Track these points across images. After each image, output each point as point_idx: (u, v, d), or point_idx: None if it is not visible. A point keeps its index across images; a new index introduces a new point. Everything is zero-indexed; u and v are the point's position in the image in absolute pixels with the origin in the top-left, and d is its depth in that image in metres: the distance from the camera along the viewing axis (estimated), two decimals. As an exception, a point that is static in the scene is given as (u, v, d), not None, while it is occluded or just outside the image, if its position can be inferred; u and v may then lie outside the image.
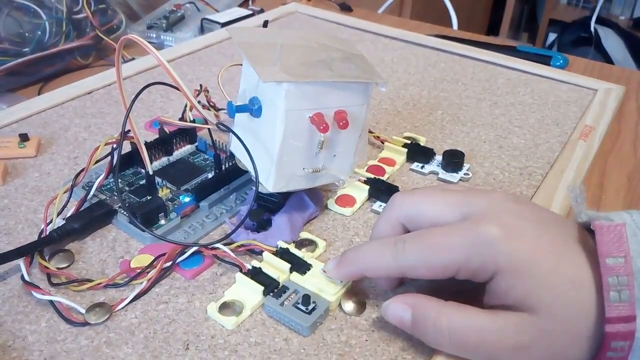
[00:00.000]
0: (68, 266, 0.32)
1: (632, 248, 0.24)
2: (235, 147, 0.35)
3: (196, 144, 0.42)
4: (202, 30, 0.68)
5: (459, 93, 0.54)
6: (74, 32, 0.59)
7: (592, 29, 1.73)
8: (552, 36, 2.19)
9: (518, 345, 0.25)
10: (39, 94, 0.53)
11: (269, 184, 0.32)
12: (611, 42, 1.96)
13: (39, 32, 0.56)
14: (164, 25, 0.66)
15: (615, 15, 2.12)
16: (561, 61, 0.61)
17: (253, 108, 0.31)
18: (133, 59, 0.58)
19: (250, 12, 0.71)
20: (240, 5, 0.76)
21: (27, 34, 0.56)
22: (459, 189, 0.29)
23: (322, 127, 0.30)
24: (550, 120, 0.49)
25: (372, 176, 0.40)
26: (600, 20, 1.97)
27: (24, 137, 0.43)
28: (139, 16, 0.70)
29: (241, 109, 0.31)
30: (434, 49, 0.62)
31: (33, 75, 0.56)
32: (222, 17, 0.68)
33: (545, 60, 0.61)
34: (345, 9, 0.79)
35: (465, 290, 0.27)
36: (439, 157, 0.42)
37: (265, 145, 0.31)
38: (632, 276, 0.23)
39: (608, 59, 1.91)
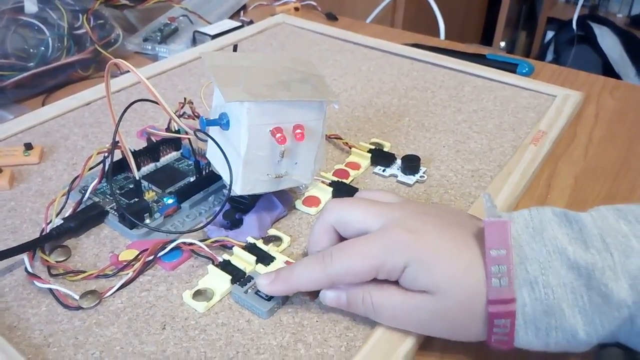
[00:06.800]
0: (65, 259, 0.37)
1: (522, 238, 0.28)
2: (211, 154, 0.40)
3: (181, 150, 0.47)
4: (194, 42, 0.72)
5: (427, 101, 0.58)
6: (75, 46, 0.64)
7: (574, 27, 1.75)
8: (550, 34, 2.21)
9: (421, 320, 0.30)
10: (42, 105, 0.59)
11: (237, 187, 0.36)
12: (607, 40, 1.98)
13: (43, 48, 0.62)
14: (158, 37, 0.71)
15: (613, 13, 2.13)
16: (527, 69, 0.65)
17: (222, 122, 0.36)
18: (127, 72, 0.63)
19: (240, 23, 0.76)
20: (231, 17, 0.81)
21: (31, 50, 0.61)
22: (383, 203, 0.34)
23: (280, 140, 0.34)
24: (507, 126, 0.54)
25: (336, 179, 0.44)
26: (598, 19, 1.99)
27: (28, 146, 0.48)
28: (136, 29, 0.75)
29: (211, 122, 0.36)
30: (409, 58, 0.67)
31: (37, 87, 0.61)
32: (212, 30, 0.73)
33: (512, 67, 0.65)
34: (331, 18, 0.84)
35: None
36: (399, 161, 0.47)
37: (233, 154, 0.36)
38: (512, 265, 0.28)
39: (604, 58, 1.93)
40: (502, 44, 2.09)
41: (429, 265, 0.29)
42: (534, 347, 0.29)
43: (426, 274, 0.29)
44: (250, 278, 0.35)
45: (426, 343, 0.33)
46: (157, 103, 0.36)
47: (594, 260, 0.28)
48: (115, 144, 0.39)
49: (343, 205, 0.33)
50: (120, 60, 0.36)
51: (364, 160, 0.48)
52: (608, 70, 1.85)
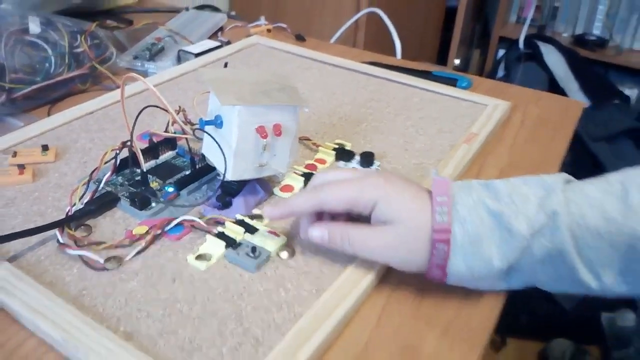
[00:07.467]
0: (88, 235, 0.46)
1: (457, 192, 0.40)
2: (206, 150, 0.50)
3: (177, 150, 0.57)
4: (179, 60, 0.82)
5: (382, 110, 0.69)
6: (74, 63, 0.73)
7: (520, 46, 1.91)
8: (501, 52, 2.38)
9: (386, 245, 0.40)
10: (48, 114, 0.67)
11: (229, 174, 0.46)
12: (553, 57, 2.14)
13: (47, 64, 0.70)
14: (147, 55, 0.80)
15: (559, 32, 2.30)
16: (465, 83, 0.77)
17: (217, 122, 0.46)
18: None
19: (219, 43, 0.86)
20: (210, 37, 0.91)
21: (37, 66, 0.69)
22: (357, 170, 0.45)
23: (263, 135, 0.44)
24: (447, 130, 0.65)
25: (307, 171, 0.54)
26: (544, 38, 2.15)
27: (45, 147, 0.56)
28: (126, 47, 0.84)
29: (209, 122, 0.46)
30: (367, 74, 0.78)
31: (42, 99, 0.69)
32: (195, 49, 0.82)
33: (453, 82, 0.77)
34: (300, 39, 0.95)
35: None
36: (358, 157, 0.58)
37: (226, 147, 0.46)
38: (450, 207, 0.39)
39: (550, 74, 2.10)
40: (457, 61, 2.24)
41: (394, 201, 0.40)
42: (462, 275, 0.40)
43: (392, 208, 0.40)
44: (240, 244, 0.45)
45: (380, 283, 0.43)
46: (162, 109, 0.46)
47: (503, 208, 0.39)
48: (131, 140, 0.48)
49: (327, 171, 0.44)
50: (134, 74, 0.46)
51: (329, 156, 0.58)
52: (553, 85, 2.01)
